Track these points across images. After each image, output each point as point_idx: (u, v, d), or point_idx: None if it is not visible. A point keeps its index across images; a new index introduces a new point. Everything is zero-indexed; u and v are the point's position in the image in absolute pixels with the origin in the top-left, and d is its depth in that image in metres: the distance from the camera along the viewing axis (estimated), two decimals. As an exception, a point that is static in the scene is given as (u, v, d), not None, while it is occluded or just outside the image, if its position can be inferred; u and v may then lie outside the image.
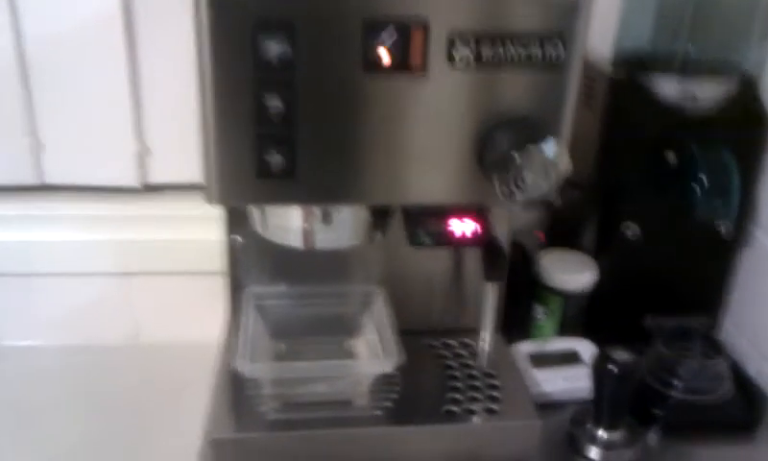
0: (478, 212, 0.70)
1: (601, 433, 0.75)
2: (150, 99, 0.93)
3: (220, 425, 0.71)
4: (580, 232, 0.94)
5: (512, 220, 0.82)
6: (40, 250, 0.96)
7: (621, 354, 0.73)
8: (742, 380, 0.85)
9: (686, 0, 0.82)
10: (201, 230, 0.93)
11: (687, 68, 0.82)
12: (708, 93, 0.82)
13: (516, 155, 0.57)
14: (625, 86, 0.84)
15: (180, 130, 0.93)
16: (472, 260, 0.83)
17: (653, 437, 0.79)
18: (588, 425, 0.76)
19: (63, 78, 0.91)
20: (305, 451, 0.72)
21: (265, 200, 0.66)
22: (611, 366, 0.72)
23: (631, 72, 0.84)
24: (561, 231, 0.96)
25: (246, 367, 0.71)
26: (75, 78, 0.91)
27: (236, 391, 0.75)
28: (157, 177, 0.98)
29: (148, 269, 0.97)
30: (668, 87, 0.82)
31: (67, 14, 0.87)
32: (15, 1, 0.86)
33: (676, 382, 0.80)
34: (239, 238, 0.79)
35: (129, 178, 0.96)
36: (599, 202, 0.90)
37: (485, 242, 0.72)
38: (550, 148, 0.57)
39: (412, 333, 0.78)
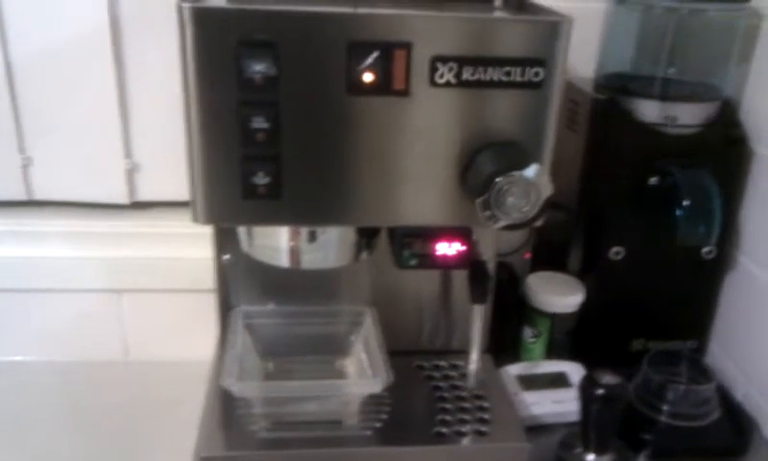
0: (463, 234, 0.70)
1: (590, 458, 0.74)
2: (138, 116, 0.93)
3: (210, 444, 0.71)
4: (566, 254, 0.94)
5: (499, 242, 0.83)
6: (29, 265, 0.96)
7: (608, 377, 0.73)
8: (729, 405, 0.85)
9: (667, 25, 0.83)
10: (190, 248, 0.93)
11: (668, 92, 0.83)
12: (688, 116, 0.82)
13: (498, 179, 0.58)
14: (607, 109, 0.85)
15: (168, 147, 0.93)
16: (460, 282, 0.83)
17: (641, 461, 0.79)
18: (578, 450, 0.75)
19: (52, 94, 0.91)
20: (294, 471, 0.71)
21: (251, 220, 0.66)
22: (597, 389, 0.72)
23: (613, 95, 0.85)
24: (547, 253, 0.96)
25: (234, 385, 0.71)
26: (63, 94, 0.91)
27: (227, 409, 0.75)
28: (146, 194, 0.98)
29: (137, 286, 0.97)
30: (650, 110, 0.83)
31: (55, 32, 0.88)
32: (3, 18, 0.87)
33: (664, 407, 0.80)
34: (229, 257, 0.79)
35: (117, 194, 0.96)
36: (584, 224, 0.90)
37: (470, 264, 0.73)
38: (532, 172, 0.58)
39: (401, 354, 0.78)
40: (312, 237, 0.69)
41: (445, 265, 0.71)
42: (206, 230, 0.81)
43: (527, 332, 0.91)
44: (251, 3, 0.56)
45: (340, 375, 0.82)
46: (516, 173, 0.57)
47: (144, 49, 0.90)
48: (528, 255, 0.94)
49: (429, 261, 0.70)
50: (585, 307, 0.89)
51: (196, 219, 0.63)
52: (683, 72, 0.84)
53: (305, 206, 0.63)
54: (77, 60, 0.89)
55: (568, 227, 0.92)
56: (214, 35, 0.56)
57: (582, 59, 0.85)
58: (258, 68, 0.57)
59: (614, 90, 0.86)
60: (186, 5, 0.55)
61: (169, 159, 0.94)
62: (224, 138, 0.59)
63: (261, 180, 0.60)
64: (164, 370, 0.98)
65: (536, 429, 0.80)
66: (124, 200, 0.97)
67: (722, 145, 0.84)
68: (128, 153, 0.95)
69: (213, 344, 0.87)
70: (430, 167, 0.62)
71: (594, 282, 0.89)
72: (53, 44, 0.88)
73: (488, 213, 0.58)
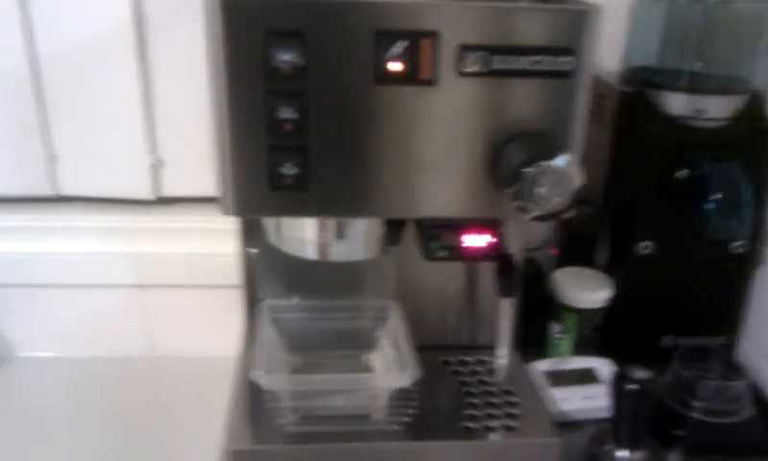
0: (492, 226, 0.70)
1: (621, 454, 0.73)
2: (163, 111, 0.94)
3: (238, 437, 0.71)
4: (593, 249, 0.93)
5: (525, 236, 0.82)
6: (55, 261, 0.97)
7: (639, 372, 0.72)
8: (762, 402, 0.83)
9: (693, 16, 0.82)
10: (215, 243, 0.94)
11: (696, 84, 0.82)
12: (716, 109, 0.81)
13: (529, 169, 0.57)
14: (634, 103, 0.84)
15: (193, 142, 0.93)
16: (486, 276, 0.83)
17: (674, 458, 0.77)
18: (609, 446, 0.74)
19: (77, 90, 0.92)
20: (322, 464, 0.71)
21: (279, 211, 0.66)
22: (629, 384, 0.71)
23: (640, 88, 0.84)
24: (573, 248, 0.95)
25: (263, 379, 0.71)
26: (89, 90, 0.92)
27: (254, 403, 0.75)
28: (171, 189, 0.98)
29: (162, 281, 0.98)
30: (677, 103, 0.82)
31: (80, 28, 0.89)
32: (29, 15, 0.88)
33: (695, 403, 0.79)
34: (254, 251, 0.79)
35: (143, 190, 0.97)
36: (612, 218, 0.89)
37: (498, 257, 0.72)
38: (563, 161, 0.57)
39: (426, 349, 0.78)
40: (340, 229, 0.68)
41: (474, 257, 0.71)
42: (231, 226, 0.81)
43: (554, 328, 0.90)
44: (278, -7, 0.56)
45: (366, 369, 0.82)
46: (546, 163, 0.56)
47: (168, 44, 0.90)
48: (554, 251, 0.93)
49: (457, 253, 0.70)
50: (612, 303, 0.88)
51: (225, 211, 0.63)
52: (710, 64, 0.83)
53: (332, 197, 0.62)
54: (102, 56, 0.90)
55: (594, 222, 0.91)
56: (242, 24, 0.56)
57: (607, 52, 0.84)
58: (286, 58, 0.57)
59: (641, 83, 0.84)
60: (214, -4, 0.55)
61: (193, 155, 0.95)
62: (251, 129, 0.59)
63: (288, 170, 0.60)
64: (190, 365, 0.99)
65: (564, 426, 0.79)
66: (148, 195, 0.97)
67: (751, 137, 0.82)
68: (152, 148, 0.95)
69: (237, 340, 0.87)
70: (458, 158, 0.62)
71: (622, 277, 0.88)
72: (78, 40, 0.89)
73: (518, 204, 0.58)
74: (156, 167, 0.96)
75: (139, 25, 0.89)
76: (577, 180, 0.57)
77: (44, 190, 0.96)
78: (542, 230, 0.92)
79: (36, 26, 0.88)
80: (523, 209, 0.58)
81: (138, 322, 1.01)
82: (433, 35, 0.57)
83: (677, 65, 0.84)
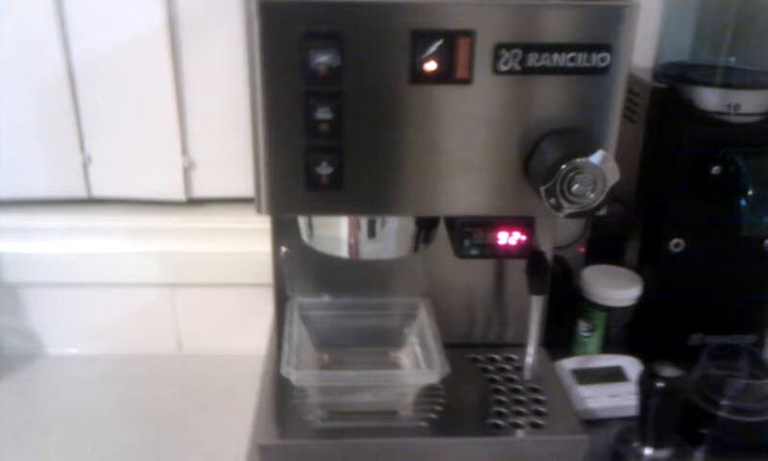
0: (524, 224, 0.70)
1: (648, 452, 0.73)
2: (195, 114, 0.95)
3: (266, 432, 0.72)
4: (623, 247, 0.93)
5: (555, 234, 0.82)
6: (87, 261, 0.98)
7: (668, 370, 0.72)
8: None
9: (727, 12, 0.82)
10: (245, 243, 0.95)
11: (730, 79, 0.82)
12: (751, 104, 0.81)
13: (564, 166, 0.57)
14: (667, 98, 0.83)
15: (224, 144, 0.95)
16: (515, 274, 0.83)
17: (700, 457, 0.77)
18: (635, 444, 0.74)
19: (111, 95, 0.93)
20: (350, 460, 0.72)
21: (313, 210, 0.67)
22: (657, 382, 0.71)
23: (673, 84, 0.84)
24: (602, 246, 0.95)
25: (293, 374, 0.72)
26: (122, 95, 0.93)
27: (282, 399, 0.76)
28: (202, 190, 1.00)
29: (193, 281, 0.99)
30: (711, 99, 0.81)
31: (114, 32, 0.90)
32: (65, 20, 0.89)
33: (723, 402, 0.78)
34: (287, 250, 0.80)
35: (174, 191, 0.98)
36: (643, 215, 0.89)
37: (530, 254, 0.72)
38: (598, 158, 0.57)
39: (455, 346, 0.78)
40: (372, 228, 0.69)
41: (506, 255, 0.71)
42: (260, 226, 0.82)
43: (582, 326, 0.90)
44: (315, -6, 0.57)
45: (394, 366, 0.82)
46: (581, 159, 0.57)
47: (200, 48, 0.92)
48: (582, 249, 0.93)
49: (489, 251, 0.70)
50: (642, 301, 0.88)
51: (260, 210, 0.64)
52: (744, 59, 0.82)
53: (366, 196, 0.63)
54: (135, 60, 0.91)
55: (624, 219, 0.91)
56: (280, 26, 0.57)
57: (640, 48, 0.84)
58: (323, 59, 0.57)
59: (674, 79, 0.84)
60: (253, -2, 0.56)
61: (223, 156, 0.96)
62: (288, 130, 0.60)
63: (324, 170, 0.61)
64: (219, 362, 1.00)
65: (591, 424, 0.79)
66: (180, 196, 0.99)
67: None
68: (184, 150, 0.96)
69: (265, 338, 0.88)
70: (492, 156, 0.62)
71: (652, 275, 0.88)
72: (112, 46, 0.91)
73: (553, 201, 0.58)
74: (188, 169, 0.98)
75: (172, 30, 0.90)
76: (612, 177, 0.58)
77: (77, 192, 0.98)
78: (572, 228, 0.92)
79: (72, 33, 0.90)
80: (558, 207, 0.58)
81: (168, 320, 1.02)
82: (469, 34, 0.57)
83: (710, 60, 0.84)
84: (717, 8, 0.84)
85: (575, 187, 0.57)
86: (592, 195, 0.58)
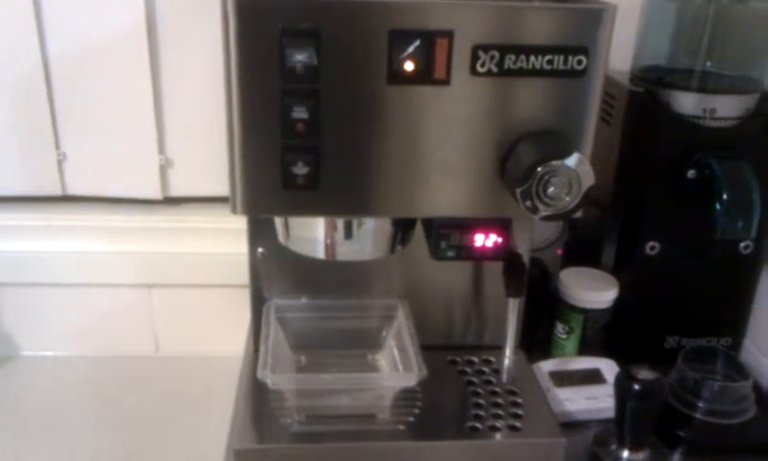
0: (500, 225, 0.70)
1: (625, 454, 0.74)
2: (172, 112, 0.95)
3: (243, 436, 0.71)
4: (599, 249, 0.93)
5: (532, 236, 0.82)
6: (62, 260, 0.97)
7: (644, 372, 0.72)
8: (766, 402, 0.83)
9: (704, 17, 0.82)
10: (221, 243, 0.94)
11: (707, 84, 0.82)
12: (727, 109, 0.81)
13: (540, 169, 0.57)
14: (644, 102, 0.84)
15: (201, 143, 0.94)
16: (493, 276, 0.83)
17: (677, 458, 0.77)
18: (612, 446, 0.74)
19: (87, 91, 0.92)
20: (328, 464, 0.71)
21: (289, 211, 0.66)
22: (634, 384, 0.71)
23: (650, 88, 0.84)
24: (579, 249, 0.95)
25: (269, 378, 0.71)
26: (98, 91, 0.92)
27: (259, 403, 0.75)
28: (179, 189, 0.99)
29: (169, 281, 0.98)
30: (687, 103, 0.82)
31: (92, 27, 0.89)
32: (41, 14, 0.88)
33: (699, 403, 0.79)
34: (262, 250, 0.79)
35: (151, 190, 0.97)
36: (619, 218, 0.90)
37: (506, 256, 0.72)
38: (573, 161, 0.57)
39: (433, 349, 0.78)
40: (349, 229, 0.69)
41: (482, 257, 0.71)
42: (236, 226, 0.81)
43: (559, 328, 0.90)
44: (293, -8, 0.57)
45: (372, 369, 0.82)
46: (557, 162, 0.57)
47: (179, 45, 0.91)
48: (559, 252, 0.94)
49: (466, 253, 0.70)
50: (618, 303, 0.88)
51: (234, 210, 0.63)
52: (721, 64, 0.83)
53: (343, 197, 0.63)
54: (113, 56, 0.90)
55: (601, 222, 0.91)
56: (257, 24, 0.57)
57: (617, 51, 0.84)
58: (300, 58, 0.57)
59: (651, 83, 0.85)
60: (230, -6, 0.56)
61: (201, 155, 0.96)
62: (264, 128, 0.60)
63: (300, 170, 0.61)
64: (196, 364, 0.99)
65: (568, 426, 0.79)
66: (157, 195, 0.98)
67: (761, 137, 0.82)
68: (161, 149, 0.96)
69: (243, 340, 0.87)
70: (469, 157, 0.62)
71: (629, 278, 0.88)
72: (89, 42, 0.90)
73: (528, 203, 0.58)
74: (165, 167, 0.97)
75: (151, 27, 0.89)
76: (588, 179, 0.58)
77: (52, 190, 0.97)
78: (549, 231, 0.93)
79: (48, 28, 0.89)
80: (534, 209, 0.59)
81: (144, 321, 1.01)
82: (448, 34, 0.57)
83: (687, 65, 0.84)
84: (695, 13, 0.84)
85: (550, 190, 0.57)
86: (568, 198, 0.58)
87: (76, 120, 0.93)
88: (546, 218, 0.59)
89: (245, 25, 0.57)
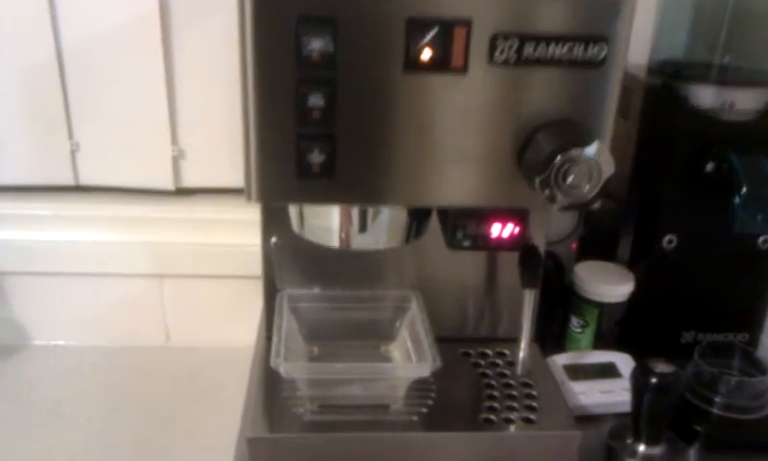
0: (518, 215, 0.69)
1: (641, 448, 0.73)
2: (185, 103, 0.94)
3: (256, 425, 0.71)
4: (615, 243, 0.92)
5: (548, 228, 0.81)
6: (74, 250, 0.97)
7: (661, 366, 0.71)
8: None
9: (723, 11, 0.81)
10: (234, 234, 0.94)
11: (725, 77, 0.82)
12: (746, 102, 0.80)
13: (560, 157, 0.57)
14: (662, 95, 0.83)
15: (214, 134, 0.94)
16: (508, 268, 0.82)
17: (693, 454, 0.77)
18: (628, 440, 0.74)
19: (100, 81, 0.92)
20: (341, 453, 0.71)
21: (304, 199, 0.65)
22: (651, 378, 0.70)
23: (667, 81, 0.83)
24: (594, 243, 0.94)
25: (282, 366, 0.71)
26: (112, 81, 0.92)
27: (272, 392, 0.75)
28: (191, 180, 0.99)
29: (181, 271, 0.98)
30: (706, 96, 0.81)
31: (105, 19, 0.89)
32: (55, 7, 0.88)
33: (716, 398, 0.78)
34: (276, 240, 0.79)
35: (163, 181, 0.97)
36: (635, 213, 0.89)
37: (522, 247, 0.72)
38: (593, 150, 0.57)
39: (446, 340, 0.77)
40: (364, 219, 0.68)
41: (499, 247, 0.70)
42: (249, 217, 0.81)
43: (574, 322, 0.90)
44: (310, -21, 0.56)
45: (385, 359, 0.81)
46: (577, 151, 0.56)
47: (191, 37, 0.91)
48: (574, 245, 0.93)
49: (483, 242, 0.69)
50: (634, 297, 0.87)
51: (249, 197, 0.62)
52: (739, 56, 0.82)
53: (358, 185, 0.62)
54: (126, 46, 0.90)
55: (617, 216, 0.90)
56: (273, 11, 0.56)
57: (635, 44, 0.84)
58: (316, 45, 0.56)
59: (669, 76, 0.84)
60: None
61: (214, 146, 0.95)
62: (279, 116, 0.59)
63: (316, 158, 0.60)
64: (208, 354, 1.00)
65: (583, 420, 0.78)
66: (169, 186, 0.98)
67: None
68: (174, 140, 0.95)
69: (254, 330, 0.87)
70: (486, 147, 0.61)
71: (645, 272, 0.87)
72: (103, 30, 0.90)
73: (547, 192, 0.57)
74: (177, 158, 0.97)
75: (164, 17, 0.89)
76: (608, 168, 0.57)
77: (64, 179, 0.97)
78: (564, 224, 0.92)
79: (62, 18, 0.89)
80: (552, 198, 0.58)
81: (156, 311, 1.01)
82: (466, 22, 0.56)
83: (705, 58, 0.83)
84: (712, 6, 0.83)
85: (570, 179, 0.56)
86: (587, 187, 0.57)
87: (89, 110, 0.93)
88: (565, 208, 0.59)
89: (261, 12, 0.56)
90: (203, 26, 0.90)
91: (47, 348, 1.01)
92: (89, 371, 0.97)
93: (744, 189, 0.76)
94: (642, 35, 0.86)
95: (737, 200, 0.77)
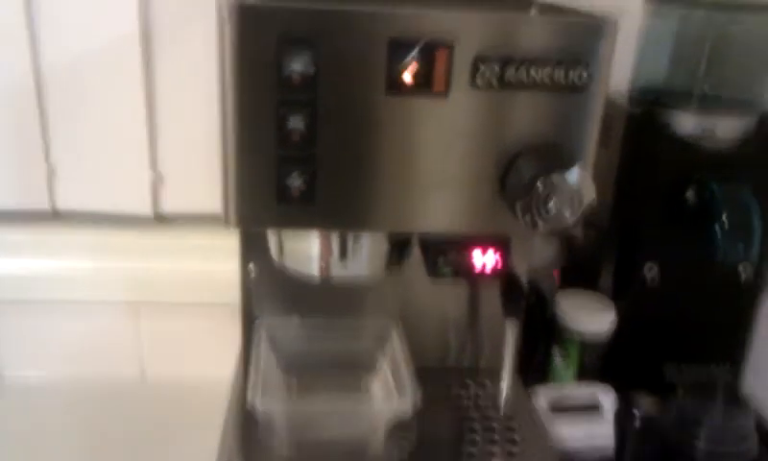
0: (500, 243, 0.69)
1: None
2: (165, 128, 0.93)
3: None
4: (597, 272, 0.92)
5: (530, 257, 0.81)
6: (48, 277, 0.94)
7: (644, 401, 0.70)
8: (765, 433, 0.82)
9: (703, 38, 0.83)
10: (212, 261, 0.92)
11: (705, 105, 0.82)
12: (726, 130, 0.81)
13: (540, 182, 0.56)
14: (643, 123, 0.84)
15: (194, 159, 0.93)
16: (489, 298, 0.81)
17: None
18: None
19: (78, 105, 0.91)
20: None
21: (284, 224, 0.64)
22: (635, 420, 0.70)
23: (648, 108, 0.84)
24: (576, 272, 0.94)
25: (258, 402, 0.69)
26: (90, 105, 0.91)
27: (248, 430, 0.72)
28: (170, 206, 0.97)
29: (158, 299, 0.96)
30: (686, 124, 0.81)
31: (85, 39, 0.88)
32: (34, 24, 0.87)
33: (700, 434, 0.77)
34: (254, 267, 0.77)
35: (141, 206, 0.95)
36: (617, 242, 0.89)
37: (504, 276, 0.71)
38: (575, 176, 0.56)
39: (427, 371, 0.75)
40: (344, 248, 0.67)
41: (480, 275, 0.69)
42: (228, 243, 0.79)
43: (556, 354, 0.89)
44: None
45: (365, 391, 0.80)
46: (558, 175, 0.56)
47: (173, 59, 0.90)
48: (556, 273, 0.92)
49: (464, 271, 0.68)
50: (617, 327, 0.87)
51: (228, 222, 0.61)
52: (720, 84, 0.83)
53: (339, 210, 0.61)
54: (106, 69, 0.89)
55: (598, 245, 0.90)
56: (254, 31, 0.55)
57: (616, 71, 0.84)
58: (297, 66, 0.56)
59: (649, 103, 0.85)
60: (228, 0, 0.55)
61: (194, 172, 0.94)
62: (259, 139, 0.58)
63: (296, 182, 0.59)
64: (185, 385, 0.97)
65: (565, 455, 0.77)
66: (147, 212, 0.96)
67: (761, 159, 0.82)
68: (153, 165, 0.94)
69: (233, 359, 0.85)
70: (468, 171, 0.61)
71: (627, 302, 0.87)
72: (82, 52, 0.88)
73: (528, 218, 0.57)
74: (156, 183, 0.95)
75: (145, 40, 0.88)
76: (589, 194, 0.56)
77: (41, 205, 0.95)
78: (545, 253, 0.91)
79: (41, 38, 0.88)
80: (533, 224, 0.57)
81: (132, 339, 0.98)
82: (448, 45, 0.56)
83: (686, 85, 0.84)
84: (694, 34, 0.84)
85: (551, 203, 0.56)
86: (568, 212, 0.56)
87: (67, 134, 0.92)
88: (546, 233, 0.58)
89: (242, 32, 0.55)
90: (185, 48, 0.89)
91: (17, 379, 0.98)
92: (62, 405, 0.94)
93: (724, 217, 0.76)
94: (623, 62, 0.87)
95: (718, 228, 0.77)
